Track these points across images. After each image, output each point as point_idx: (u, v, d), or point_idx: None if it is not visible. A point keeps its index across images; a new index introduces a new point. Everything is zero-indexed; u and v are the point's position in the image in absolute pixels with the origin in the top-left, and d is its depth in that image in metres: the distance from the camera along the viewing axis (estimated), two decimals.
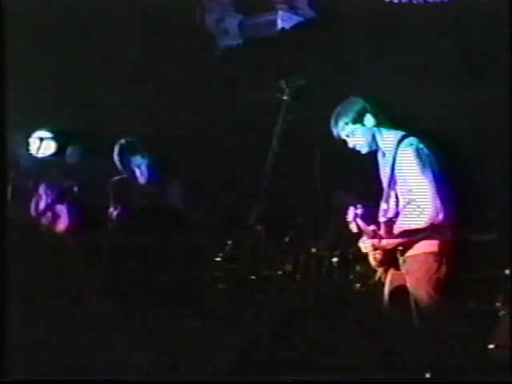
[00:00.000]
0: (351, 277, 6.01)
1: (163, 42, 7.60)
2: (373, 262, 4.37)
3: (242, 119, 7.57)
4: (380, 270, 4.38)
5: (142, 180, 5.74)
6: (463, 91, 6.47)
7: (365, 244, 4.33)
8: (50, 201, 5.98)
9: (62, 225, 5.94)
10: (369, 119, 4.28)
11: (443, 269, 4.12)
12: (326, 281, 6.06)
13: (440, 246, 4.15)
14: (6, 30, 4.03)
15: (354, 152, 6.83)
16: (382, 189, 4.34)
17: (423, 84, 6.52)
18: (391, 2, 6.63)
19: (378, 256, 4.29)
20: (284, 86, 5.61)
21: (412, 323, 4.19)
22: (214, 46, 8.74)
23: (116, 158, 5.66)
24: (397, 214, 4.26)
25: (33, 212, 5.87)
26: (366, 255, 6.20)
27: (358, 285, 5.86)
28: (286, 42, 8.27)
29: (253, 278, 6.01)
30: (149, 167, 5.75)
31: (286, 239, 6.49)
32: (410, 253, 4.23)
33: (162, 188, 5.76)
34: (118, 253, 5.55)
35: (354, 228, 4.41)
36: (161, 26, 7.50)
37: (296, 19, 9.07)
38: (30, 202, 5.96)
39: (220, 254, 6.27)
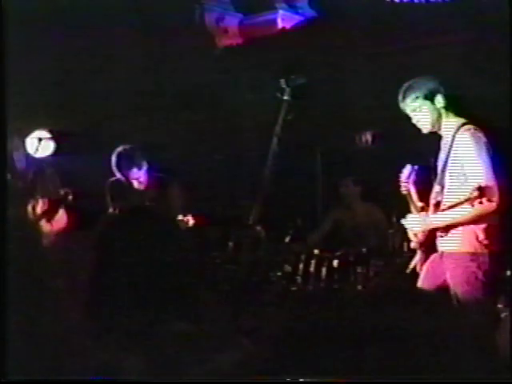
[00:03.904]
0: (352, 278, 5.99)
1: (163, 41, 7.59)
2: (413, 243, 4.26)
3: (242, 119, 7.56)
4: (415, 259, 4.25)
5: (141, 187, 5.68)
6: (463, 90, 6.45)
7: (412, 219, 4.19)
8: (47, 203, 5.95)
9: (61, 225, 5.91)
10: (439, 99, 4.22)
11: (483, 268, 4.04)
12: (326, 282, 6.05)
13: (478, 248, 4.06)
14: (5, 30, 4.00)
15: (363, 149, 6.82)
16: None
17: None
18: (392, 1, 6.60)
19: (421, 236, 4.18)
20: (284, 86, 5.57)
21: (415, 323, 4.13)
22: (213, 45, 8.73)
23: (114, 168, 5.59)
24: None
25: (32, 212, 5.84)
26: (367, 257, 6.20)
27: (360, 286, 5.84)
28: (286, 42, 8.26)
29: (253, 279, 5.99)
30: (148, 171, 5.69)
31: (286, 239, 6.47)
32: (448, 248, 4.13)
33: (161, 189, 5.72)
34: (116, 253, 5.53)
35: (404, 189, 4.29)
36: (160, 25, 7.49)
37: (296, 18, 9.06)
38: (29, 202, 5.94)
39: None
